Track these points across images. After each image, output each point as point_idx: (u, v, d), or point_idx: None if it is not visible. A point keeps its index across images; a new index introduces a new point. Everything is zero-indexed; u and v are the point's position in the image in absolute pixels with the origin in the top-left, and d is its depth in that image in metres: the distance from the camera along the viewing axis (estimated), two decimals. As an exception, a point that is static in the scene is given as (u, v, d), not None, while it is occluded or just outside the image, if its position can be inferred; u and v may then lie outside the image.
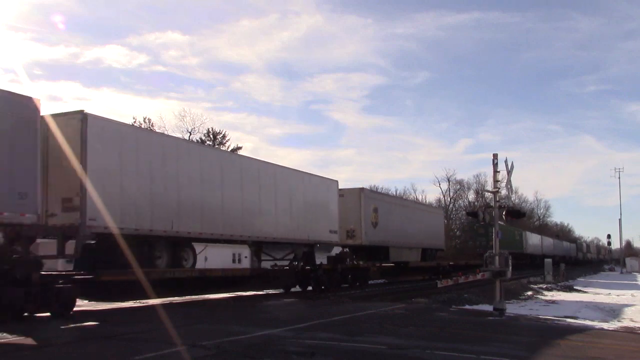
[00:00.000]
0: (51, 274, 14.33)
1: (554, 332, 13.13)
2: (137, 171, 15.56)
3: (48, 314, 13.23)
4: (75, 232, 13.80)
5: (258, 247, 22.70)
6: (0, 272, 12.45)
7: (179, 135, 53.49)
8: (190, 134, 56.47)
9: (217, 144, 57.53)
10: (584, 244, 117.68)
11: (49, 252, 14.89)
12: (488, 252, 17.67)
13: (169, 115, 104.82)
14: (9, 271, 12.61)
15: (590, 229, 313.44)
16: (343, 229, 26.85)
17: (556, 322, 15.55)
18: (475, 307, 20.48)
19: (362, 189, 28.93)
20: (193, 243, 18.28)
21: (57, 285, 13.45)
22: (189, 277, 17.76)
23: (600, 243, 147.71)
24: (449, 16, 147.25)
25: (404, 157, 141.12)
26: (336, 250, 27.73)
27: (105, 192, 14.26)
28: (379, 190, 66.68)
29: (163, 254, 17.00)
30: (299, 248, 23.70)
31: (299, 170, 24.32)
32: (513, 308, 19.93)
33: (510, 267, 17.04)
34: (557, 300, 26.58)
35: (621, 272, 73.99)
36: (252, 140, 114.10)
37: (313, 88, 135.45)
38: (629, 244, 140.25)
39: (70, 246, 14.38)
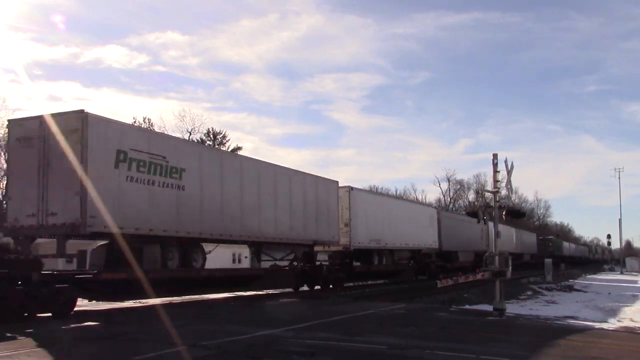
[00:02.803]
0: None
1: (554, 332, 13.13)
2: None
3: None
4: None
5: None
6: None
7: (179, 135, 53.54)
8: (190, 134, 56.52)
9: (217, 144, 57.57)
10: (594, 247, 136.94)
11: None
12: (488, 252, 17.67)
13: (169, 115, 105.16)
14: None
15: (590, 229, 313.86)
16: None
17: (556, 322, 15.55)
18: (475, 307, 20.46)
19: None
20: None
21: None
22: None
23: (600, 243, 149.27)
24: (449, 16, 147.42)
25: (404, 157, 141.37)
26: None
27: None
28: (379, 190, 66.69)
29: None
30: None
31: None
32: (513, 308, 19.91)
33: (510, 267, 17.05)
34: (557, 300, 26.57)
35: (621, 272, 74.00)
36: (252, 140, 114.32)
37: (313, 88, 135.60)
38: (629, 244, 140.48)
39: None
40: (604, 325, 15.67)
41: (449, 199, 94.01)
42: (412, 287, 29.12)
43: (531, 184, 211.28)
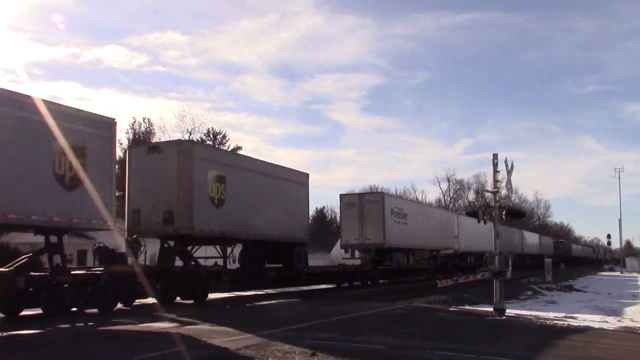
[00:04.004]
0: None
1: (554, 332, 13.12)
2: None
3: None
4: None
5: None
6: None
7: (179, 135, 53.59)
8: (190, 134, 56.50)
9: (217, 144, 57.52)
10: (597, 247, 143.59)
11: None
12: (488, 252, 17.67)
13: (169, 115, 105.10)
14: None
15: (590, 229, 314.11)
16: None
17: (556, 322, 15.55)
18: (475, 307, 20.47)
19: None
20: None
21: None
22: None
23: (600, 243, 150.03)
24: (449, 16, 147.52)
25: (404, 157, 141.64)
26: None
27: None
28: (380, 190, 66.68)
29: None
30: None
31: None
32: (513, 308, 19.92)
33: (510, 267, 17.04)
34: (557, 300, 26.59)
35: (621, 272, 74.00)
36: (252, 140, 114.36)
37: (313, 88, 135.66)
38: (629, 244, 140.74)
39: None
40: (604, 325, 15.67)
41: (448, 199, 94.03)
42: (412, 287, 29.11)
43: (531, 184, 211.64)
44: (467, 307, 20.54)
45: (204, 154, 19.36)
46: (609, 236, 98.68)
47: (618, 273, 73.57)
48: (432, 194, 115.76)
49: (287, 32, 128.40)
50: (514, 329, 13.93)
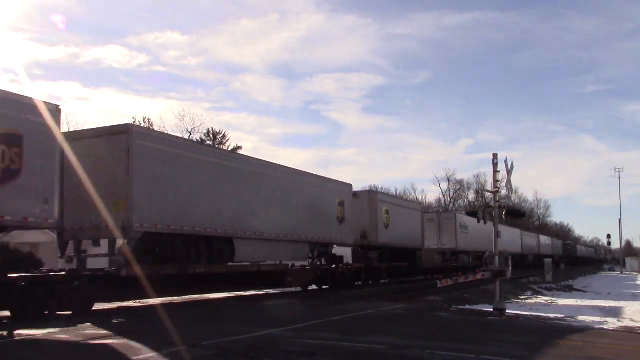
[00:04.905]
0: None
1: (554, 332, 13.12)
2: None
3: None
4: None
5: None
6: None
7: (178, 134, 53.56)
8: (190, 134, 56.47)
9: (217, 144, 57.50)
10: (599, 248, 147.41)
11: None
12: (488, 252, 17.68)
13: (169, 115, 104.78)
14: None
15: (590, 229, 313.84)
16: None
17: (556, 322, 15.54)
18: (475, 307, 20.47)
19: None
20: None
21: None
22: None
23: (600, 243, 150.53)
24: (449, 16, 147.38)
25: (404, 157, 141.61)
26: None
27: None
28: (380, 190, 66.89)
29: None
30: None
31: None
32: (513, 308, 19.91)
33: (510, 267, 17.05)
34: (557, 300, 26.58)
35: (621, 272, 74.02)
36: (252, 140, 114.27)
37: (313, 88, 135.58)
38: (629, 244, 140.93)
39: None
40: (604, 325, 15.65)
41: (449, 199, 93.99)
42: (412, 287, 29.13)
43: (531, 184, 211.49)
44: (467, 307, 20.54)
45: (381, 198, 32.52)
46: (609, 236, 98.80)
47: (618, 273, 73.60)
48: (432, 193, 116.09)
49: (288, 32, 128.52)
50: (514, 329, 13.92)
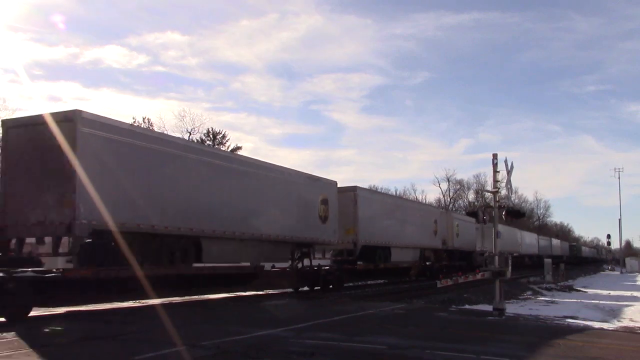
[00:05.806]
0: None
1: (554, 332, 13.12)
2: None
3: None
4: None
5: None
6: None
7: (179, 135, 53.58)
8: (190, 134, 56.45)
9: (217, 144, 57.47)
10: (600, 248, 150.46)
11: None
12: (488, 252, 17.68)
13: (169, 115, 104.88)
14: None
15: (590, 229, 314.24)
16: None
17: (556, 322, 15.55)
18: (475, 307, 20.49)
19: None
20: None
21: None
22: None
23: (600, 243, 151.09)
24: (449, 16, 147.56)
25: (404, 157, 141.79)
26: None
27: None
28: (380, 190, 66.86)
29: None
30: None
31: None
32: (513, 308, 19.94)
33: (510, 267, 17.07)
34: (557, 300, 26.59)
35: (621, 272, 74.02)
36: (252, 140, 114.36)
37: (312, 88, 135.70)
38: (629, 244, 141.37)
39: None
40: (604, 325, 15.67)
41: (448, 199, 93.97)
42: (412, 287, 29.14)
43: (531, 184, 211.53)
44: (467, 307, 20.55)
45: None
46: (609, 236, 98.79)
47: (618, 273, 73.59)
48: (432, 194, 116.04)
49: (287, 32, 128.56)
50: (514, 329, 13.93)
